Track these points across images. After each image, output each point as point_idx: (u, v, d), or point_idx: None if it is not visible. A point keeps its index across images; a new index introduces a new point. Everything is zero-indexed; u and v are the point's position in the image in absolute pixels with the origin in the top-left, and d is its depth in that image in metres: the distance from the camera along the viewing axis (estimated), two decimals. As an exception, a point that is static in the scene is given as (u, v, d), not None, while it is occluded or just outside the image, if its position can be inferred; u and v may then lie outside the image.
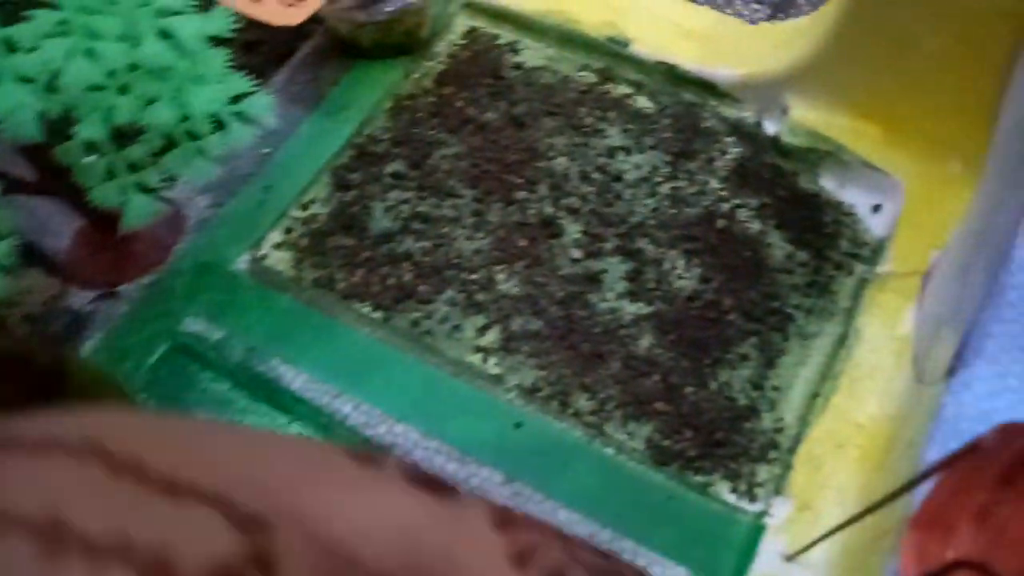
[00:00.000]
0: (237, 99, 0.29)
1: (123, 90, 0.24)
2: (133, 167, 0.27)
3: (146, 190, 0.28)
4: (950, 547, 0.16)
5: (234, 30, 0.41)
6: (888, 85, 0.33)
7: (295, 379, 0.29)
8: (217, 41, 0.40)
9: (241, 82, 0.29)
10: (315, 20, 0.38)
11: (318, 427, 0.29)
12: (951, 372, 0.21)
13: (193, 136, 0.28)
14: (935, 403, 0.22)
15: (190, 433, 0.13)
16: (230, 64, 0.31)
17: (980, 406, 0.21)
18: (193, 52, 0.25)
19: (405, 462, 0.12)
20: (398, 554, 0.11)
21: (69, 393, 0.24)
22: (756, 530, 0.26)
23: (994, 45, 0.27)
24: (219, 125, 0.29)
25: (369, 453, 0.12)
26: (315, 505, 0.11)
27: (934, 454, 0.21)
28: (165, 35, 0.24)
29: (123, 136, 0.28)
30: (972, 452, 0.16)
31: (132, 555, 0.10)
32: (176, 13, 0.24)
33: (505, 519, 0.12)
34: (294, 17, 0.33)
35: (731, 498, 0.27)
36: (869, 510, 0.19)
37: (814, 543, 0.23)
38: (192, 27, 0.24)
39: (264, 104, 0.29)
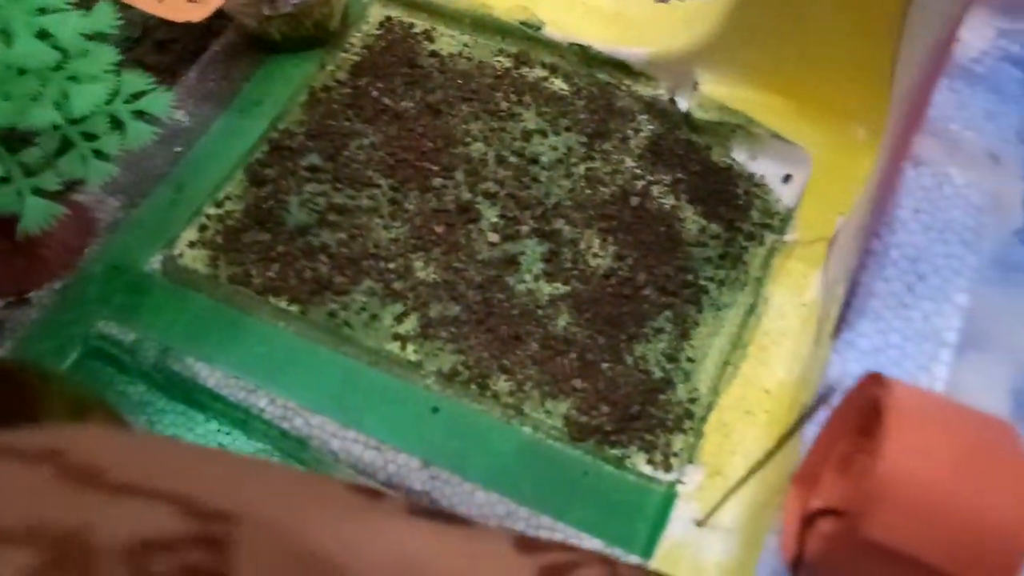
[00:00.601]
0: (136, 97, 0.29)
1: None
2: (29, 170, 0.27)
3: (44, 193, 0.27)
4: (818, 497, 0.17)
5: (146, 28, 0.41)
6: (790, 57, 0.33)
7: (211, 376, 0.29)
8: (129, 40, 0.40)
9: (137, 80, 0.28)
10: (226, 16, 0.38)
11: (235, 423, 0.29)
12: (837, 332, 0.22)
13: (89, 136, 0.28)
14: (827, 363, 0.23)
15: (170, 451, 0.12)
16: (126, 62, 0.30)
17: (864, 363, 0.21)
18: (74, 51, 0.24)
19: (411, 498, 0.11)
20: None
21: (54, 412, 0.24)
22: (668, 498, 0.26)
23: (880, 13, 0.28)
24: (118, 124, 0.28)
25: (370, 487, 0.11)
26: (297, 519, 0.11)
27: (823, 414, 0.21)
28: (42, 34, 0.23)
29: (19, 139, 0.28)
30: (841, 405, 0.17)
31: (39, 537, 0.09)
32: (54, 11, 0.24)
33: (531, 543, 0.12)
34: (197, 13, 0.33)
35: (647, 469, 0.28)
36: (753, 470, 0.19)
37: (717, 506, 0.23)
38: (71, 25, 0.24)
39: (163, 101, 0.28)
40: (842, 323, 0.22)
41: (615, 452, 0.28)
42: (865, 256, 0.23)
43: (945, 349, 0.22)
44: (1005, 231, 0.26)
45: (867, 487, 0.13)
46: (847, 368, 0.21)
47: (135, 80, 0.28)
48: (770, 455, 0.18)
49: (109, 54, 0.26)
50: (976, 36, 0.28)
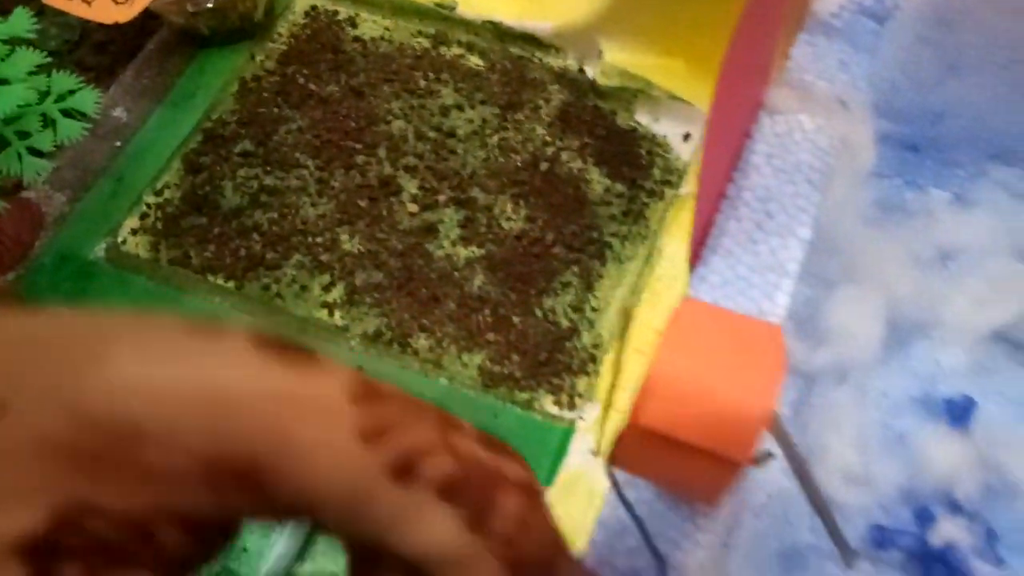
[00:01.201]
0: (67, 96, 0.31)
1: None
2: (-33, 170, 0.30)
3: (-13, 191, 0.30)
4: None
5: (85, 31, 0.43)
6: (683, 21, 0.36)
7: (153, 350, 0.32)
8: (69, 42, 0.42)
9: (67, 80, 0.31)
10: (156, 16, 0.40)
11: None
12: (692, 268, 0.24)
13: (23, 135, 0.30)
14: (691, 299, 0.25)
15: None
16: (65, 63, 0.33)
17: (714, 295, 0.24)
18: (-5, 57, 0.27)
19: (260, 331, 0.11)
20: (202, 426, 0.10)
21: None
22: (568, 433, 0.29)
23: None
24: (50, 122, 0.31)
25: (214, 324, 0.11)
26: (74, 374, 0.10)
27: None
28: (-38, 44, 0.26)
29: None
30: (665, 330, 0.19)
31: None
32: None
33: (369, 392, 0.11)
34: (124, 14, 0.35)
35: (553, 409, 0.30)
36: (612, 391, 0.22)
37: (607, 438, 0.26)
38: (-11, 33, 0.26)
39: (90, 99, 0.31)
40: (696, 260, 0.24)
41: (524, 396, 0.31)
42: (720, 200, 0.25)
43: (787, 279, 0.24)
44: (859, 171, 0.28)
45: (642, 385, 0.15)
46: (700, 299, 0.24)
47: (65, 80, 0.31)
48: (615, 376, 0.21)
49: (33, 57, 0.29)
50: (837, -8, 0.30)
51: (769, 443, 0.19)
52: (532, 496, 0.12)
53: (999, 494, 0.27)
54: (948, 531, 0.27)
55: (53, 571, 0.10)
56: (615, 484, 0.19)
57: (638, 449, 0.16)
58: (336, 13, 0.42)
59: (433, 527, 0.11)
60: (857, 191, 0.28)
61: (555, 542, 0.12)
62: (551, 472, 0.28)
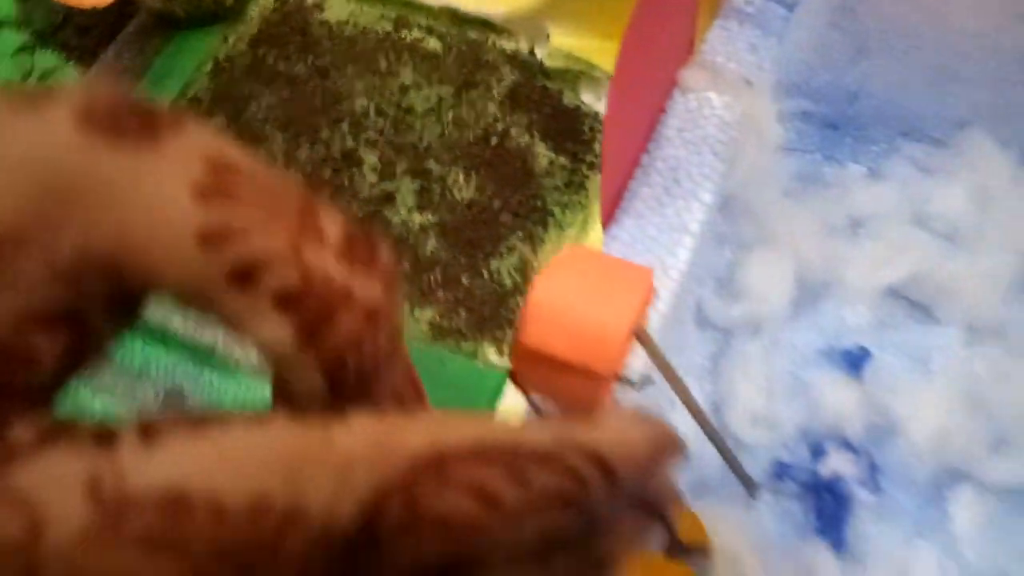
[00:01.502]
0: (49, 74, 0.34)
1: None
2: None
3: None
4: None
5: (67, 15, 0.46)
6: (623, 7, 0.38)
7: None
8: (53, 25, 0.45)
9: (49, 58, 0.34)
10: (134, 1, 0.43)
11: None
12: (604, 227, 0.27)
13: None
14: (608, 256, 0.28)
15: None
16: (50, 44, 0.35)
17: (623, 251, 0.27)
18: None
19: (97, 98, 0.10)
20: (36, 211, 0.09)
21: None
22: (503, 378, 0.32)
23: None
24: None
25: (42, 94, 0.10)
26: None
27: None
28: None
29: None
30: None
31: None
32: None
33: (220, 186, 0.10)
34: (103, -1, 0.38)
35: (495, 359, 0.34)
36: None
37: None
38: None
39: (71, 76, 0.34)
40: (608, 220, 0.27)
41: (469, 346, 0.34)
42: (634, 168, 0.28)
43: (688, 237, 0.27)
44: (769, 145, 0.31)
45: (523, 310, 0.19)
46: (610, 254, 0.27)
47: (48, 59, 0.34)
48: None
49: (17, 38, 0.31)
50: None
51: (655, 374, 0.22)
52: (374, 318, 0.11)
53: (884, 433, 0.31)
54: (836, 464, 0.30)
55: None
56: (530, 402, 0.22)
57: (527, 367, 0.19)
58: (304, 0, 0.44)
59: (268, 333, 0.11)
60: (772, 163, 0.31)
61: (384, 362, 0.12)
62: (489, 410, 0.31)
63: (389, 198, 0.38)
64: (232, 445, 0.11)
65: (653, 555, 0.22)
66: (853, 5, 0.33)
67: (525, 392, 0.21)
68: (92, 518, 0.10)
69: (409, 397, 0.13)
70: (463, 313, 0.35)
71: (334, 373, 0.12)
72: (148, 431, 0.11)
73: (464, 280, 0.36)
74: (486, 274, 0.36)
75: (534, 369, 0.19)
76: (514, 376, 0.20)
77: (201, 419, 0.11)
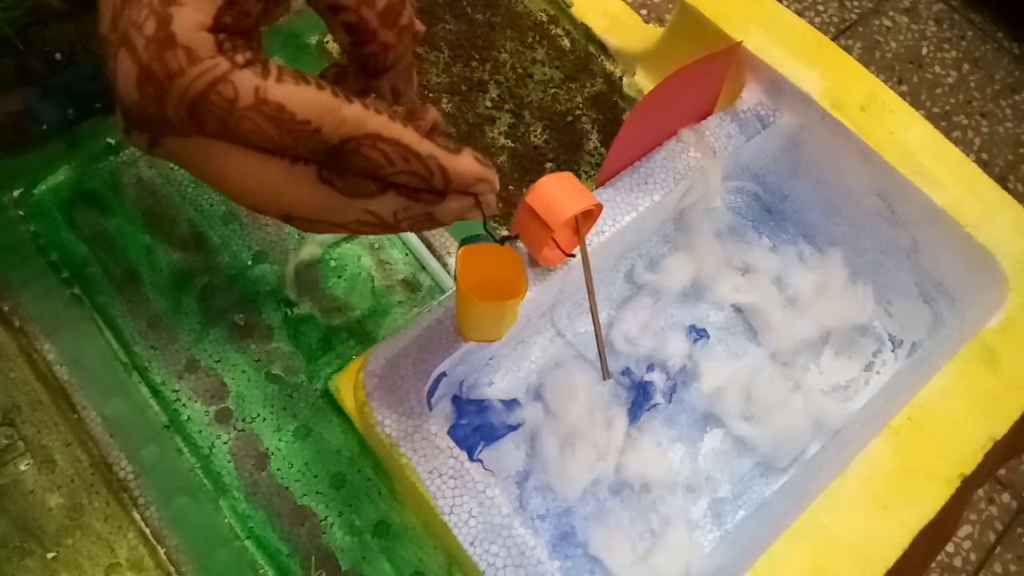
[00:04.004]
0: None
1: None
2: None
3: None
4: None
5: None
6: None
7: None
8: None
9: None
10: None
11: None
12: (596, 187, 0.48)
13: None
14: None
15: None
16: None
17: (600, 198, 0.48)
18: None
19: None
20: None
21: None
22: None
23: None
24: None
25: None
26: None
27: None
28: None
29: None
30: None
31: None
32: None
33: None
34: None
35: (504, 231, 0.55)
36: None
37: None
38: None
39: None
40: (600, 185, 0.48)
41: (494, 225, 0.55)
42: (628, 165, 0.49)
43: (636, 213, 0.48)
44: (710, 193, 0.52)
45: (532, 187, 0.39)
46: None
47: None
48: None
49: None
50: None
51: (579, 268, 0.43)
52: (405, 34, 0.30)
53: (689, 376, 0.52)
54: (654, 378, 0.51)
55: None
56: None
57: (520, 216, 0.40)
58: (503, -26, 0.65)
59: (339, 37, 0.30)
60: (712, 213, 0.52)
61: (395, 66, 0.31)
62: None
63: (491, 120, 0.59)
64: (306, 88, 0.25)
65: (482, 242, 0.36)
66: (800, 142, 0.53)
67: (514, 235, 0.42)
68: (255, 101, 0.25)
69: (401, 94, 0.33)
70: (500, 204, 0.56)
71: (365, 63, 0.32)
72: (282, 73, 0.25)
73: (510, 187, 0.57)
74: (523, 190, 0.57)
75: (522, 218, 0.40)
76: (513, 225, 0.41)
77: (300, 75, 0.25)
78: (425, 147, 0.27)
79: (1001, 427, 0.41)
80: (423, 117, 0.29)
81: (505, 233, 0.31)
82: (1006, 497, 1.42)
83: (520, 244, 0.43)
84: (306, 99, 0.25)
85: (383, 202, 0.28)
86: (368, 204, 0.28)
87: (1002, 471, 1.43)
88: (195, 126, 0.26)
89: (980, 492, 1.41)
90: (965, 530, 1.40)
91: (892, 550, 0.38)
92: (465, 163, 0.28)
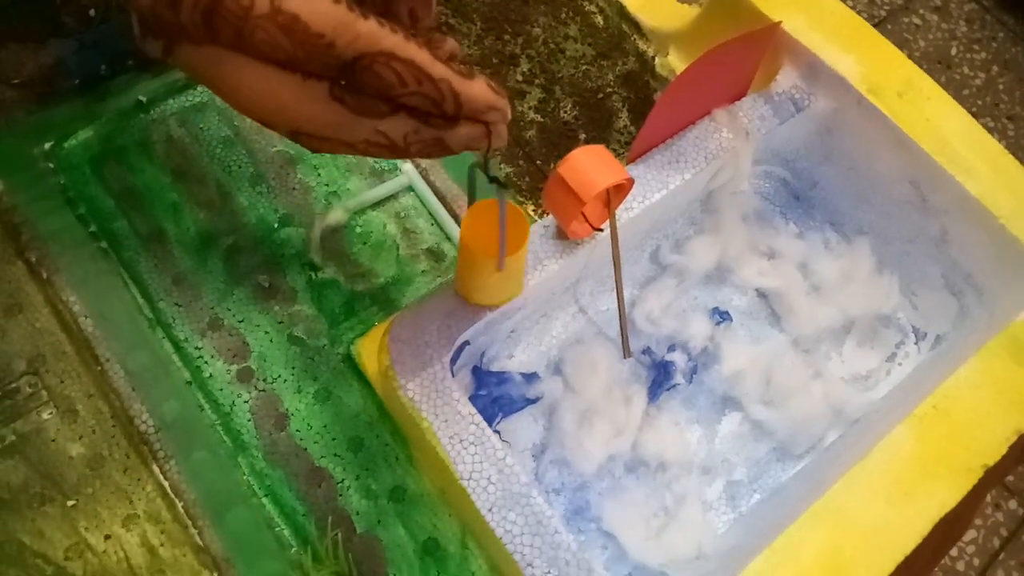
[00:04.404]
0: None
1: None
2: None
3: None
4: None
5: None
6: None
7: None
8: None
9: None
10: None
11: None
12: (628, 163, 0.48)
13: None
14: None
15: None
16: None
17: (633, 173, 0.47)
18: None
19: None
20: None
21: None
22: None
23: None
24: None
25: None
26: None
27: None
28: None
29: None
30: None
31: None
32: None
33: None
34: None
35: (531, 209, 0.54)
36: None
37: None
38: None
39: None
40: (631, 160, 0.48)
41: (520, 198, 0.55)
42: (659, 143, 0.49)
43: (666, 191, 0.48)
44: (741, 174, 0.51)
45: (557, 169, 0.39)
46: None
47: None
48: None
49: None
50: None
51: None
52: None
53: (710, 358, 0.51)
54: (676, 358, 0.51)
55: None
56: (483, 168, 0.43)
57: (551, 187, 0.40)
58: (538, -52, 0.65)
59: None
60: (739, 197, 0.51)
61: None
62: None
63: (522, 94, 0.59)
64: (321, 0, 0.25)
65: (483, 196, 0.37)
66: (834, 127, 0.53)
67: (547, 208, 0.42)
68: (270, 11, 0.25)
69: (419, 18, 0.32)
70: (528, 178, 0.56)
71: None
72: None
73: (538, 162, 0.57)
74: (551, 167, 0.57)
75: (553, 189, 0.40)
76: (544, 197, 0.41)
77: None
78: (439, 70, 0.27)
79: (1027, 420, 0.41)
80: (441, 47, 0.29)
81: (496, 174, 0.30)
82: (1013, 504, 1.41)
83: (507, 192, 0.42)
84: (321, 11, 0.25)
85: (394, 124, 0.28)
86: (379, 124, 0.27)
87: (1010, 478, 1.43)
88: (209, 34, 0.26)
89: (987, 497, 1.41)
90: (970, 535, 1.39)
91: (911, 537, 0.38)
92: (479, 89, 0.28)
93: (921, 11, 1.85)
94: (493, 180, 0.32)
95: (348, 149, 0.29)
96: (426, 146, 0.29)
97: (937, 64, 1.78)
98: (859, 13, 1.85)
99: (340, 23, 0.25)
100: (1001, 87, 1.77)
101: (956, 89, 1.74)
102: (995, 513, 1.41)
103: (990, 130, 1.72)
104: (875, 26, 1.83)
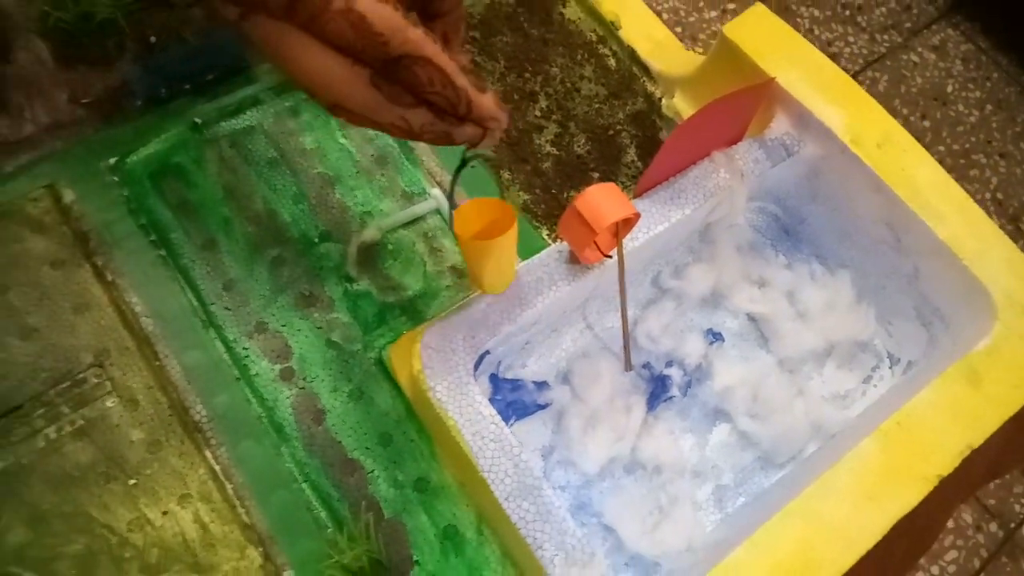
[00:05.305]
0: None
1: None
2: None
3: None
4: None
5: None
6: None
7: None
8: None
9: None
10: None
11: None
12: (635, 197, 0.54)
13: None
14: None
15: None
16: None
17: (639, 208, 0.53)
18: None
19: None
20: None
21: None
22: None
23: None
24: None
25: None
26: None
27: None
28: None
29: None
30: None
31: None
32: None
33: None
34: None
35: (545, 234, 0.60)
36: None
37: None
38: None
39: None
40: (638, 195, 0.54)
41: (535, 224, 0.61)
42: (663, 180, 0.54)
43: (667, 223, 0.53)
44: (735, 210, 0.57)
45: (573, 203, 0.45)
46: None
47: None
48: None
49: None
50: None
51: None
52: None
53: (703, 374, 0.57)
54: (672, 373, 0.57)
55: None
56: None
57: (567, 217, 0.46)
58: (559, -5, 0.71)
59: None
60: (734, 229, 0.57)
61: (449, 14, 0.36)
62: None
63: (539, 128, 0.65)
64: (385, 7, 0.31)
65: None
66: (820, 171, 0.59)
67: (561, 237, 0.48)
68: (345, 8, 0.30)
69: (449, 40, 0.39)
70: (543, 206, 0.62)
71: (425, 6, 0.37)
72: None
73: (553, 191, 0.62)
74: (566, 196, 0.63)
75: (568, 220, 0.46)
76: (560, 226, 0.47)
77: None
78: (461, 80, 0.33)
79: (978, 438, 0.47)
80: (460, 60, 0.35)
81: (470, 155, 0.38)
82: (993, 526, 1.47)
83: (478, 163, 0.46)
84: (384, 15, 0.31)
85: (415, 114, 0.34)
86: (404, 112, 0.34)
87: (991, 501, 1.48)
88: (289, 14, 0.31)
89: (968, 519, 1.46)
90: (951, 555, 1.45)
91: (873, 534, 0.43)
92: (487, 102, 0.35)
93: (920, 49, 1.92)
94: (465, 163, 0.39)
95: (374, 126, 0.35)
96: (436, 136, 0.35)
97: (933, 100, 1.85)
98: (860, 50, 1.91)
99: (396, 27, 0.31)
100: (994, 125, 1.84)
101: (951, 125, 1.81)
102: (976, 535, 1.46)
103: (982, 166, 1.79)
104: (874, 62, 1.90)
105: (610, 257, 0.50)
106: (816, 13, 1.89)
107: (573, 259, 0.51)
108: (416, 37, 0.31)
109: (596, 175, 0.64)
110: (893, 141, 0.55)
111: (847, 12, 1.91)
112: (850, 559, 0.43)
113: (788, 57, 0.58)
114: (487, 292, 0.48)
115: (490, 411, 0.46)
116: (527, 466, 0.45)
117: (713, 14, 1.82)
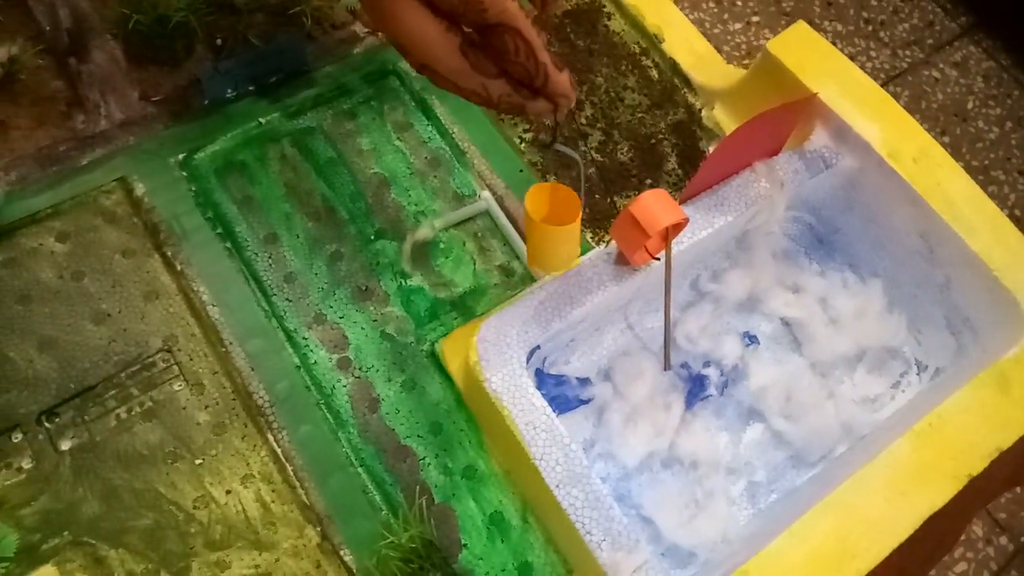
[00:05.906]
0: None
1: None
2: None
3: None
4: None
5: None
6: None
7: (442, 108, 0.65)
8: None
9: None
10: None
11: None
12: (682, 202, 0.56)
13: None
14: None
15: None
16: None
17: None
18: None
19: None
20: None
21: None
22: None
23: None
24: None
25: None
26: None
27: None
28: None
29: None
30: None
31: None
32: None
33: None
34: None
35: (588, 236, 0.63)
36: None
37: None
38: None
39: None
40: (684, 200, 0.56)
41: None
42: (707, 188, 0.57)
43: (709, 230, 0.56)
44: (774, 219, 0.60)
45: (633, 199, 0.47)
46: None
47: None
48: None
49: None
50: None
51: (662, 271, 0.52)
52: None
53: (740, 375, 0.60)
54: (709, 373, 0.59)
55: None
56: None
57: (620, 222, 0.48)
58: (603, 5, 0.74)
59: None
60: (771, 237, 0.60)
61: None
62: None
63: (585, 136, 0.67)
64: None
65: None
66: (856, 183, 0.61)
67: (615, 237, 0.50)
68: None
69: (546, 3, 0.42)
70: (588, 210, 0.64)
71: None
72: None
73: (596, 196, 0.65)
74: (609, 200, 0.65)
75: (621, 223, 0.49)
76: (612, 229, 0.50)
77: None
78: (543, 55, 0.36)
79: (1007, 440, 0.49)
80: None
81: (552, 139, 0.42)
82: (1004, 540, 1.48)
83: (565, 148, 0.47)
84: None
85: (495, 84, 0.37)
86: (485, 81, 0.36)
87: (1002, 514, 1.49)
88: None
89: (979, 532, 1.48)
90: (961, 567, 1.46)
91: (905, 529, 0.46)
92: (562, 79, 0.37)
93: (941, 65, 1.94)
94: (551, 143, 0.42)
95: (456, 91, 0.37)
96: (511, 106, 0.38)
97: (953, 116, 1.86)
98: (882, 64, 1.93)
99: None
100: (1014, 142, 1.85)
101: (970, 142, 1.82)
102: (986, 548, 1.48)
103: (1001, 183, 1.81)
104: (896, 77, 1.92)
105: (658, 259, 0.53)
106: (839, 28, 1.92)
107: (620, 261, 0.54)
108: (513, 8, 0.34)
109: (637, 182, 0.66)
110: (929, 155, 0.58)
111: (870, 27, 1.93)
112: (884, 551, 0.45)
113: (828, 72, 0.60)
114: (544, 271, 0.51)
115: (542, 402, 0.49)
116: (576, 455, 0.48)
117: (738, 26, 1.85)
